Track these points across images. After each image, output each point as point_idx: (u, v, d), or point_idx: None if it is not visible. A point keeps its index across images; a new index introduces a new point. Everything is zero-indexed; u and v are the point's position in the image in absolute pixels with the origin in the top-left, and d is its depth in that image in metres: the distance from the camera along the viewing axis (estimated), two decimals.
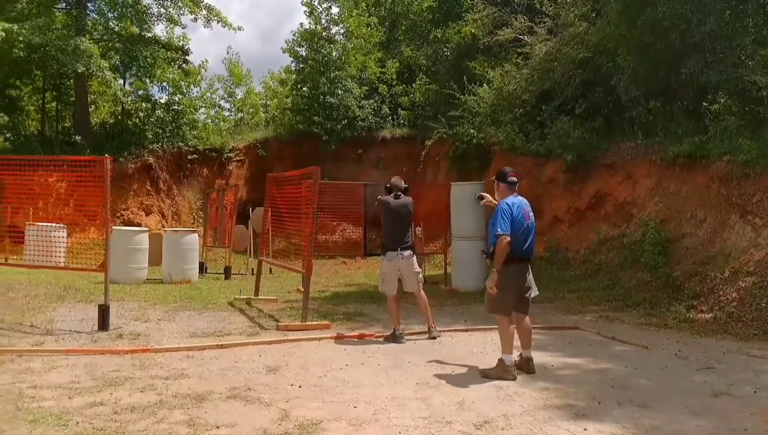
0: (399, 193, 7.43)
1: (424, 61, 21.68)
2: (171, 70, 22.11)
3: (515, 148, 14.80)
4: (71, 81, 20.91)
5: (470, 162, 16.83)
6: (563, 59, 14.35)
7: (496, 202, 5.89)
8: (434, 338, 7.29)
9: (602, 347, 7.04)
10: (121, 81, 21.59)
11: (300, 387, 5.22)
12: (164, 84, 22.91)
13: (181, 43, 22.85)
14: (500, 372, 5.55)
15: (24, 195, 9.87)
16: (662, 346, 7.02)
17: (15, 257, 10.36)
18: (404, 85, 22.21)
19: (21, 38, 16.28)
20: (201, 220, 19.23)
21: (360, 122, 21.81)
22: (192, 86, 24.19)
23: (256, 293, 10.16)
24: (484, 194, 6.34)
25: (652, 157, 11.71)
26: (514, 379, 5.49)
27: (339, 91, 21.70)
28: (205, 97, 26.65)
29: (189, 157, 21.01)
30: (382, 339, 7.27)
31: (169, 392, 5.01)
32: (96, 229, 13.12)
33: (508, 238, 5.45)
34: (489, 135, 15.98)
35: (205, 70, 25.38)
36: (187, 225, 19.17)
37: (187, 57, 22.63)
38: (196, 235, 13.36)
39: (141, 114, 21.19)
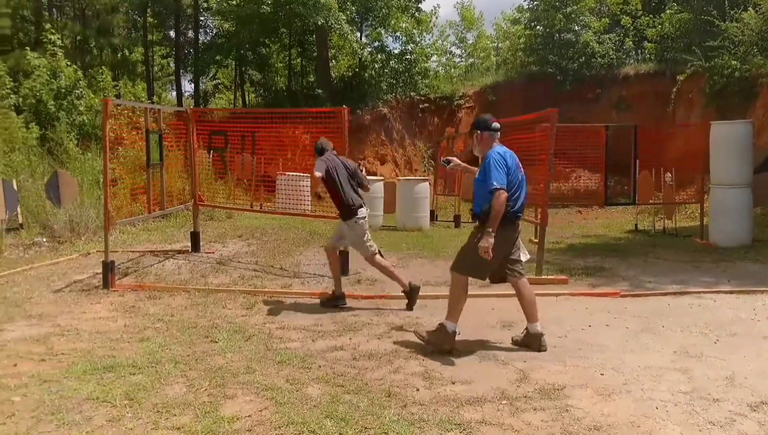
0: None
1: None
2: (404, 18, 22.36)
3: None
4: (313, 37, 22.21)
5: (731, 98, 14.75)
6: None
7: (464, 163, 5.34)
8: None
9: None
10: (357, 33, 22.41)
11: None
12: (398, 34, 23.33)
13: None
14: (439, 339, 4.72)
15: (274, 146, 10.69)
16: None
17: (269, 204, 11.33)
18: (651, 16, 19.96)
19: None
20: (432, 169, 19.45)
21: (598, 59, 20.17)
22: (424, 34, 24.32)
23: None
24: (451, 158, 5.45)
25: None
26: (451, 351, 4.67)
27: (576, 27, 20.25)
28: (436, 44, 26.74)
29: (420, 107, 21.34)
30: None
31: (404, 340, 5.00)
32: None
33: (506, 193, 4.61)
34: (756, 66, 13.93)
35: (437, 17, 25.36)
36: (419, 174, 19.53)
37: (419, 4, 22.74)
38: (427, 183, 13.46)
39: (376, 65, 21.88)
